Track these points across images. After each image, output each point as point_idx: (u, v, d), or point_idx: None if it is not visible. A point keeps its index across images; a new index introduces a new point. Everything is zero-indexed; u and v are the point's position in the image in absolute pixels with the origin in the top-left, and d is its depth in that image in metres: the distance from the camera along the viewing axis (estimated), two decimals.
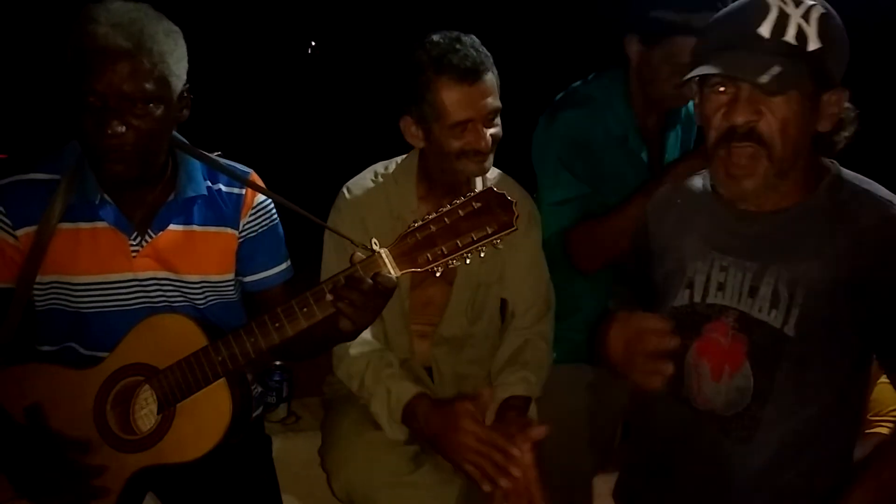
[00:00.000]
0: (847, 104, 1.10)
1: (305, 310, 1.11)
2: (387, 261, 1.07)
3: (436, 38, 1.40)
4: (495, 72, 1.41)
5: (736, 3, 1.09)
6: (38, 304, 1.29)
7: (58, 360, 1.30)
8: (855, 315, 1.08)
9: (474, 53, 1.37)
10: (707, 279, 1.15)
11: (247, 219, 1.34)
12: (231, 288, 1.36)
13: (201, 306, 1.32)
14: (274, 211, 1.39)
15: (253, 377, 1.45)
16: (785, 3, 1.03)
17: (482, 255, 1.07)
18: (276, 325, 1.11)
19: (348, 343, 1.43)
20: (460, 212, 1.05)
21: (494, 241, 1.06)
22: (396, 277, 1.07)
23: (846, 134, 1.12)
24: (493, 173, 1.54)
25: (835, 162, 1.15)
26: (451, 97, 1.36)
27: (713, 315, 1.14)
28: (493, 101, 1.40)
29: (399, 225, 1.40)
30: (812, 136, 1.09)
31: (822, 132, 1.09)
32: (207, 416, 1.18)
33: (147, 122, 1.16)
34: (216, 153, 1.36)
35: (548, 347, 1.55)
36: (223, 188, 1.34)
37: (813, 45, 1.02)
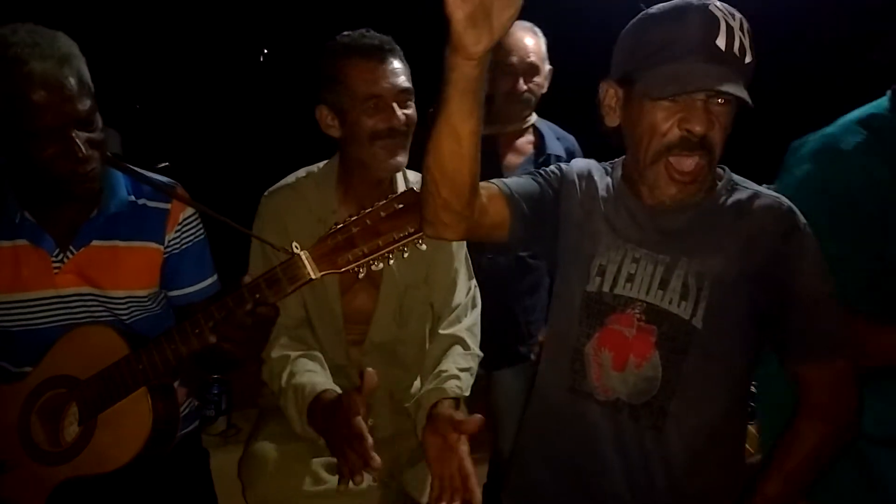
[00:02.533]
0: None
1: (224, 312, 1.11)
2: (306, 262, 1.08)
3: (348, 32, 1.47)
4: (405, 64, 1.46)
5: (674, 8, 1.09)
6: None
7: None
8: (755, 308, 1.14)
9: (382, 38, 1.43)
10: (618, 269, 1.18)
11: (172, 234, 1.34)
12: (156, 303, 1.36)
13: (127, 321, 1.32)
14: (200, 225, 1.39)
15: (188, 390, 1.45)
16: (726, 15, 1.06)
17: (405, 255, 1.09)
18: (196, 331, 1.12)
19: (273, 345, 1.44)
20: (381, 213, 1.07)
21: (416, 242, 1.08)
22: (320, 277, 1.09)
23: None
24: (416, 176, 1.57)
25: (725, 167, 1.20)
26: (360, 73, 1.41)
27: (619, 306, 1.17)
28: (404, 82, 1.44)
29: (322, 228, 1.41)
30: None
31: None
32: (128, 426, 1.17)
33: (98, 135, 1.18)
34: (164, 164, 1.35)
35: (474, 347, 1.58)
36: (148, 202, 1.33)
37: (749, 57, 1.07)
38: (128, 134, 1.31)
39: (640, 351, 1.15)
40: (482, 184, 1.13)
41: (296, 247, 1.09)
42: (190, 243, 1.36)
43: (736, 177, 1.20)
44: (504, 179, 1.21)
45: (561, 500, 1.24)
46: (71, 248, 1.27)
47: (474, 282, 1.63)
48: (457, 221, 1.08)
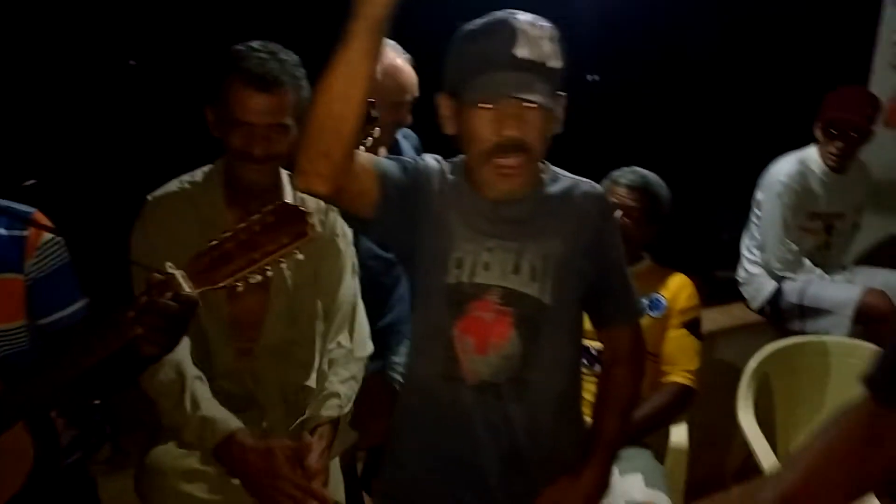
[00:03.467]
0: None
1: (103, 341, 1.10)
2: (182, 282, 1.08)
3: (252, 43, 1.46)
4: (299, 92, 1.46)
5: (485, 25, 1.19)
6: None
7: None
8: (586, 280, 1.31)
9: (276, 66, 1.42)
10: (474, 260, 1.27)
11: (32, 260, 1.30)
12: (23, 336, 1.31)
13: None
14: (63, 248, 1.35)
15: (65, 420, 1.41)
16: (532, 25, 1.17)
17: (283, 265, 1.12)
18: (72, 358, 1.10)
19: (159, 366, 1.43)
20: (256, 227, 1.09)
21: (292, 252, 1.11)
22: (197, 294, 1.09)
23: (556, 131, 1.29)
24: None
25: (545, 160, 1.33)
26: (237, 97, 1.42)
27: (477, 294, 1.26)
28: (280, 118, 1.44)
29: (209, 230, 1.42)
30: None
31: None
32: (8, 462, 1.14)
33: None
34: (31, 181, 1.30)
35: (359, 350, 1.63)
36: (4, 232, 1.29)
37: (555, 63, 1.18)
38: None
39: (500, 332, 1.26)
40: (359, 153, 1.19)
41: (170, 267, 1.09)
42: (54, 267, 1.33)
43: (554, 168, 1.35)
44: (376, 156, 1.27)
45: (437, 490, 1.33)
46: None
47: (358, 293, 1.67)
48: (332, 174, 1.11)
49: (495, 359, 1.26)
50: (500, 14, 1.19)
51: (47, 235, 1.32)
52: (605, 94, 6.29)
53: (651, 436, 2.02)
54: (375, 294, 1.82)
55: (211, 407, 1.46)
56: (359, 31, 1.01)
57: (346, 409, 1.56)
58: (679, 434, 2.05)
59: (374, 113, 1.67)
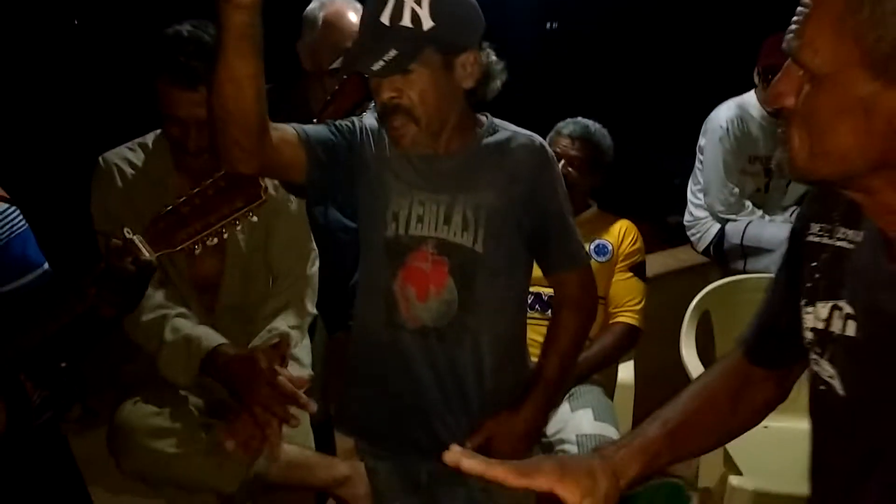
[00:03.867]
0: (492, 58, 1.31)
1: (65, 305, 1.15)
2: (140, 246, 1.13)
3: (182, 28, 1.47)
4: None
5: None
6: None
7: None
8: (522, 229, 1.36)
9: (199, 63, 1.41)
10: (409, 213, 1.33)
11: None
12: None
13: None
14: (19, 217, 1.39)
15: (33, 383, 1.46)
16: None
17: (238, 227, 1.17)
18: (36, 324, 1.16)
19: (144, 306, 1.48)
20: (209, 191, 1.15)
21: (247, 215, 1.16)
22: (156, 258, 1.14)
23: (497, 84, 1.34)
24: None
25: (487, 114, 1.38)
26: (166, 93, 1.45)
27: (414, 245, 1.33)
28: (204, 112, 1.46)
29: (161, 191, 1.47)
30: (463, 94, 1.28)
31: (469, 88, 1.28)
32: None
33: None
34: None
35: (309, 307, 1.69)
36: None
37: (427, 24, 1.18)
38: None
39: (437, 280, 1.33)
40: (279, 125, 1.24)
41: (128, 232, 1.14)
42: (10, 236, 1.36)
43: (497, 121, 1.39)
44: (301, 125, 1.31)
45: (386, 422, 1.43)
46: None
47: (313, 244, 1.73)
48: (248, 157, 1.17)
49: (435, 304, 1.33)
50: None
51: (1, 205, 1.35)
52: (562, 41, 6.32)
53: (600, 373, 2.14)
54: (345, 261, 1.84)
55: (192, 328, 1.52)
56: (229, 41, 1.06)
57: (295, 344, 1.61)
58: (626, 371, 2.18)
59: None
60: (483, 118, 1.38)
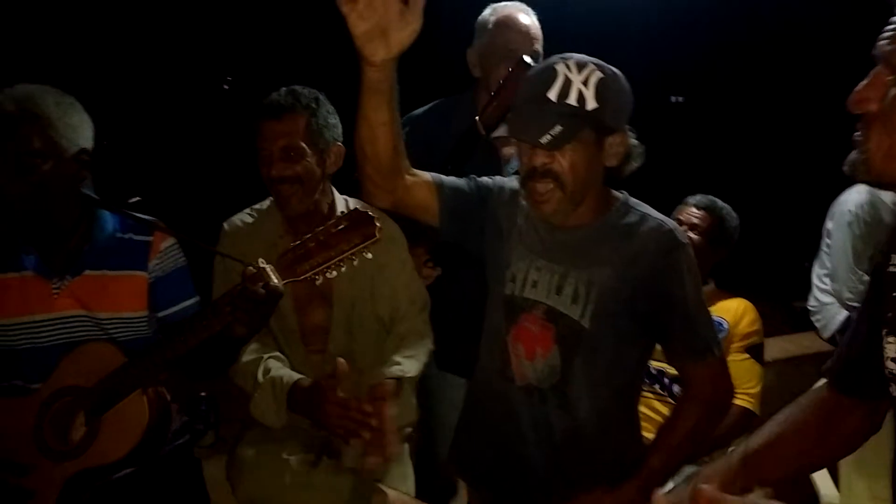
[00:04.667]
0: (633, 141, 1.38)
1: (205, 323, 1.32)
2: (271, 274, 1.28)
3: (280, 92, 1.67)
4: (314, 117, 1.65)
5: (535, 68, 1.37)
6: None
7: (5, 394, 1.47)
8: (636, 311, 1.36)
9: (287, 99, 1.63)
10: (525, 276, 1.40)
11: (154, 261, 1.54)
12: (145, 324, 1.54)
13: (120, 340, 1.49)
14: (180, 253, 1.59)
15: (178, 406, 1.63)
16: (569, 70, 1.28)
17: (355, 263, 1.29)
18: (181, 338, 1.32)
19: (242, 352, 1.66)
20: (331, 230, 1.29)
21: (363, 251, 1.28)
22: (283, 286, 1.29)
23: (635, 165, 1.40)
24: (353, 201, 1.77)
25: (624, 192, 1.43)
26: (262, 131, 1.64)
27: (527, 307, 1.40)
28: (286, 140, 1.63)
29: (273, 251, 1.61)
30: (603, 170, 1.36)
31: (610, 167, 1.35)
32: (128, 423, 1.35)
33: (30, 175, 1.37)
34: (135, 199, 1.55)
35: (422, 338, 1.78)
36: (133, 236, 1.54)
37: (591, 105, 1.27)
38: (97, 170, 1.51)
39: (544, 344, 1.38)
40: (418, 171, 1.39)
41: (262, 262, 1.30)
42: (172, 268, 1.56)
43: (633, 201, 1.42)
44: (441, 175, 1.44)
45: (490, 468, 1.48)
46: (67, 276, 1.47)
47: (421, 285, 1.83)
48: (380, 192, 1.36)
49: (540, 365, 1.38)
50: (551, 58, 1.32)
51: (169, 241, 1.56)
52: (690, 116, 6.26)
53: (710, 456, 2.08)
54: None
55: (278, 369, 1.65)
56: (364, 92, 1.21)
57: (408, 376, 1.69)
58: None
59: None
60: (619, 196, 1.42)
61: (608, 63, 1.34)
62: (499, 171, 1.78)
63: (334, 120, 1.70)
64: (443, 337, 1.88)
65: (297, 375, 1.64)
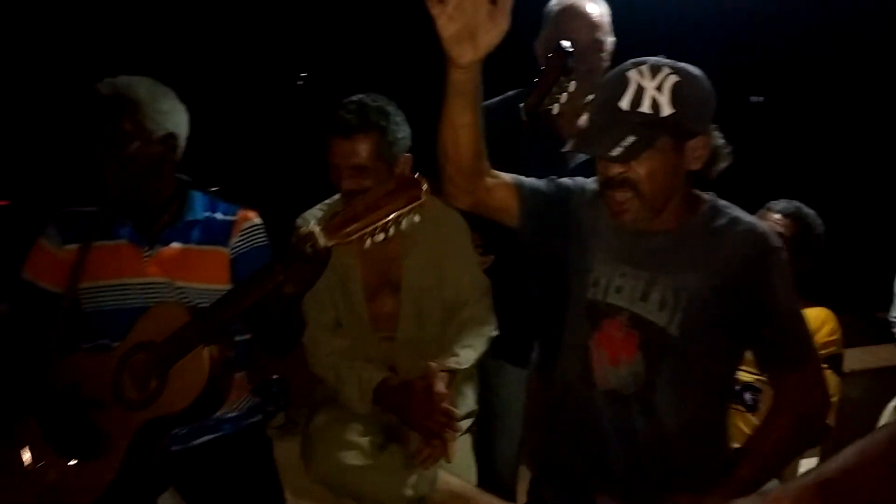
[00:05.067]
0: (719, 141, 1.33)
1: (258, 282, 1.37)
2: (319, 234, 1.31)
3: (353, 98, 1.71)
4: (384, 135, 1.69)
5: (608, 76, 1.32)
6: (81, 306, 1.58)
7: (93, 351, 1.58)
8: (726, 318, 1.31)
9: (353, 117, 1.67)
10: (608, 282, 1.37)
11: (236, 238, 1.63)
12: None
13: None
14: (262, 234, 1.67)
15: (251, 387, 1.72)
16: (642, 76, 1.24)
17: (402, 226, 1.29)
18: (237, 297, 1.38)
19: (322, 344, 1.75)
20: (380, 193, 1.30)
21: (410, 214, 1.28)
22: (331, 245, 1.31)
23: (722, 165, 1.35)
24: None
25: (713, 193, 1.38)
26: (333, 149, 1.69)
27: (611, 313, 1.36)
28: (356, 160, 1.67)
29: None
30: (687, 174, 1.30)
31: (695, 169, 1.30)
32: (190, 376, 1.42)
33: (123, 158, 1.50)
34: (214, 188, 1.64)
35: (483, 325, 1.81)
36: (220, 216, 1.64)
37: (666, 111, 1.22)
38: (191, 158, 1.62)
39: (628, 351, 1.34)
40: (500, 173, 1.38)
41: (312, 223, 1.33)
42: (252, 246, 1.64)
43: (721, 203, 1.36)
44: (521, 177, 1.43)
45: (571, 465, 1.46)
46: (157, 246, 1.58)
47: (481, 271, 1.86)
48: (461, 194, 1.35)
49: (624, 372, 1.34)
50: (623, 65, 1.29)
51: (250, 222, 1.65)
52: (771, 117, 6.05)
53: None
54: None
55: (362, 367, 1.73)
56: (449, 94, 1.20)
57: (462, 368, 1.73)
58: (809, 467, 2.04)
59: (570, 63, 1.70)
60: (707, 198, 1.37)
61: (684, 62, 1.29)
62: (561, 158, 1.75)
63: (403, 133, 1.74)
64: (499, 327, 1.89)
65: (382, 374, 1.72)
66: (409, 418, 1.64)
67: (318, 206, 1.88)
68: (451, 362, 1.71)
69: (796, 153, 5.41)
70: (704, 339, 1.31)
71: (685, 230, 1.33)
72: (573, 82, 1.73)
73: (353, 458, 1.66)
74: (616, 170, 1.26)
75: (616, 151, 1.21)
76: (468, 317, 1.81)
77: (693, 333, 1.30)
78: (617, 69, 1.29)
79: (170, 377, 1.43)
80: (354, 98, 1.72)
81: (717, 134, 1.33)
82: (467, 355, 1.75)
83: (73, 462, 1.47)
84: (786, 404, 1.34)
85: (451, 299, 1.82)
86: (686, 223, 1.34)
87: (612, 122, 1.24)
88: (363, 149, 1.68)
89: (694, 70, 1.28)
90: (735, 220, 1.32)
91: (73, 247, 1.58)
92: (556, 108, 1.78)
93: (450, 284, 1.82)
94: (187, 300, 1.56)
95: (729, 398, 1.46)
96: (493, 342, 1.85)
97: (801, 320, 1.34)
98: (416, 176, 1.29)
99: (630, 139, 1.21)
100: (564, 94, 1.74)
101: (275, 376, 2.19)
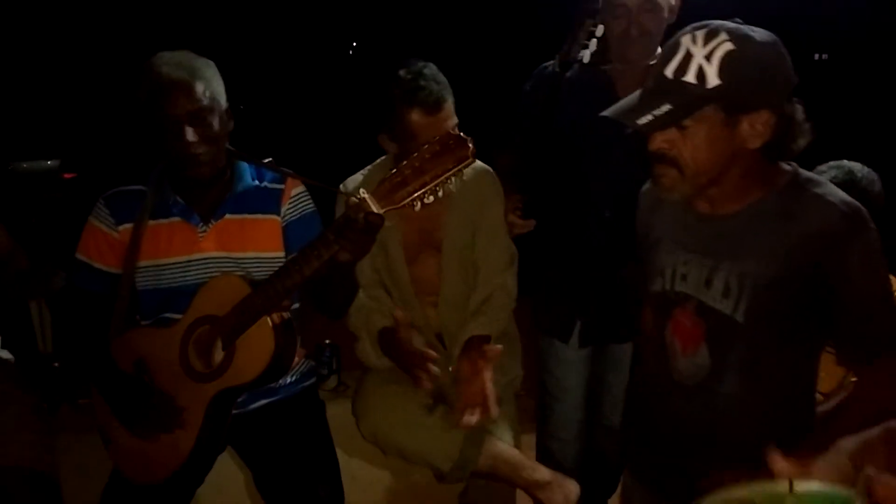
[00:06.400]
0: (798, 116, 1.21)
1: (315, 252, 1.41)
2: (370, 202, 1.34)
3: (402, 73, 1.68)
4: (451, 96, 1.70)
5: (667, 43, 1.23)
6: (137, 285, 1.62)
7: (157, 325, 1.64)
8: (802, 305, 1.22)
9: (435, 87, 1.66)
10: (674, 271, 1.32)
11: (286, 206, 1.67)
12: (280, 264, 1.62)
13: (257, 278, 1.60)
14: (310, 201, 1.71)
15: (305, 351, 1.79)
16: (694, 42, 1.16)
17: (452, 185, 1.31)
18: (296, 267, 1.42)
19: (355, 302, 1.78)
20: (425, 155, 1.30)
21: (458, 173, 1.30)
22: (383, 212, 1.34)
23: (802, 142, 1.23)
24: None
25: (794, 165, 1.26)
26: (420, 126, 1.67)
27: (680, 301, 1.31)
28: (451, 122, 1.68)
29: None
30: (752, 151, 1.20)
31: (760, 146, 1.19)
32: (258, 346, 1.47)
33: (209, 131, 1.52)
34: (267, 159, 1.67)
35: (509, 296, 1.85)
36: (268, 185, 1.68)
37: (713, 82, 1.14)
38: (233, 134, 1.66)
39: (695, 340, 1.30)
40: None
41: (362, 191, 1.36)
42: (301, 213, 1.68)
43: (804, 177, 1.25)
44: None
45: (647, 454, 1.46)
46: (211, 221, 1.62)
47: (511, 245, 1.88)
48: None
49: (690, 363, 1.31)
50: (684, 29, 1.21)
51: (298, 189, 1.69)
52: (831, 74, 5.79)
53: None
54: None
55: (377, 316, 1.79)
56: None
57: (494, 334, 1.76)
58: None
59: (596, 5, 1.69)
60: (786, 174, 1.25)
61: (749, 22, 1.18)
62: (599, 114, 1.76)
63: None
64: (542, 300, 1.92)
65: (385, 321, 1.77)
66: (398, 363, 1.71)
67: (360, 172, 1.90)
68: (483, 329, 1.75)
69: (861, 112, 5.19)
70: (775, 328, 1.24)
71: (754, 212, 1.25)
72: (600, 26, 1.72)
73: (402, 417, 1.72)
74: (657, 143, 1.21)
75: (643, 120, 1.17)
76: (495, 286, 1.83)
77: (762, 321, 1.23)
78: (676, 36, 1.21)
79: (237, 348, 1.49)
80: (414, 69, 1.69)
81: (795, 108, 1.22)
82: (497, 325, 1.79)
83: (147, 436, 1.55)
84: (863, 394, 1.25)
85: (481, 260, 1.84)
86: (756, 204, 1.25)
87: (655, 89, 1.19)
88: (448, 115, 1.69)
89: (760, 38, 1.17)
90: (815, 197, 1.21)
91: (126, 226, 1.61)
92: (586, 56, 1.76)
93: (480, 248, 1.83)
94: (244, 270, 1.61)
95: (812, 393, 1.35)
96: (540, 318, 1.87)
97: (885, 308, 1.21)
98: (461, 134, 1.28)
99: (665, 107, 1.15)
100: (593, 39, 1.70)
101: (327, 341, 2.28)
